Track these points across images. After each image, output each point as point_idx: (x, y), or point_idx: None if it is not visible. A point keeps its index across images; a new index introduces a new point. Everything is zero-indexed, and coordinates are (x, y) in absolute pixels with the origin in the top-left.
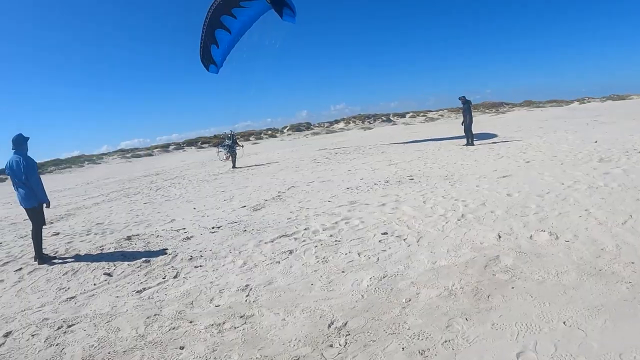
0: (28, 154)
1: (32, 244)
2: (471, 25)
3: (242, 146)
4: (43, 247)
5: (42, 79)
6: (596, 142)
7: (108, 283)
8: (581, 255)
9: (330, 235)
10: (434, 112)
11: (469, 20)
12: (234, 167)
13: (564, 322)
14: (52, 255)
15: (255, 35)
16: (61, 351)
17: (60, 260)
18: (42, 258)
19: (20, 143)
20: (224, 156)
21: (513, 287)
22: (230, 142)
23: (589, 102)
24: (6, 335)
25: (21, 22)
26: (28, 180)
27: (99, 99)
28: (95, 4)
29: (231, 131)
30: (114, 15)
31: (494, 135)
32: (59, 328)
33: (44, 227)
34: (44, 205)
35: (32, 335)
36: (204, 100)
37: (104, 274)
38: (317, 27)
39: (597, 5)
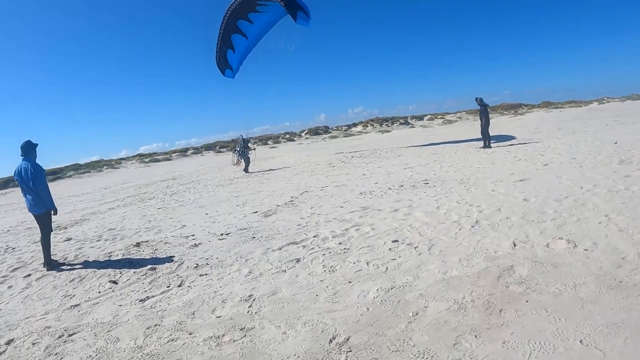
0: (36, 161)
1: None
2: (490, 27)
3: (254, 149)
4: (54, 252)
5: (63, 84)
6: (616, 143)
7: (113, 291)
8: (600, 265)
9: (340, 243)
10: (452, 115)
11: (487, 22)
12: (246, 171)
13: (580, 341)
14: (61, 261)
15: (271, 39)
16: None
17: (68, 267)
18: (51, 264)
19: (28, 150)
20: (235, 161)
21: (527, 301)
22: (242, 146)
23: (608, 102)
24: (8, 342)
25: (42, 26)
26: (35, 187)
27: (120, 104)
28: (117, 9)
29: (241, 136)
30: (136, 20)
31: (512, 137)
32: (59, 337)
33: (53, 232)
34: (52, 212)
35: (33, 344)
36: (224, 105)
37: (109, 281)
38: (333, 30)
39: (615, 5)
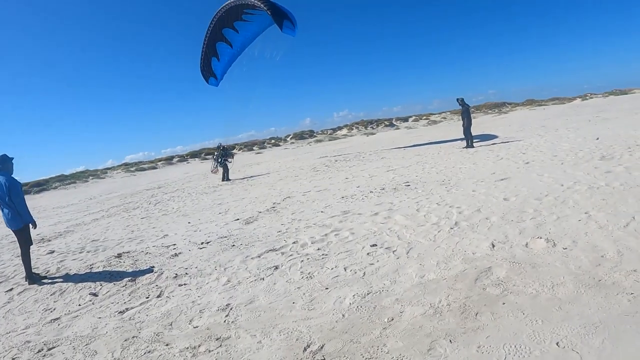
0: (12, 175)
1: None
2: (474, 28)
3: (234, 155)
4: (36, 266)
5: (48, 95)
6: (598, 139)
7: (93, 303)
8: (579, 264)
9: (318, 249)
10: (436, 115)
11: (473, 23)
12: (226, 179)
13: (557, 343)
14: (43, 274)
15: (256, 48)
16: None
17: (49, 280)
18: (32, 278)
19: (4, 164)
20: (213, 169)
21: (504, 303)
22: (220, 155)
23: (591, 98)
24: None
25: (31, 35)
26: (12, 201)
27: (106, 114)
28: (103, 18)
29: (220, 143)
30: (123, 31)
31: (495, 136)
32: (39, 351)
33: (37, 245)
34: (31, 225)
35: (13, 359)
36: (209, 112)
37: (89, 294)
38: (318, 36)
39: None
